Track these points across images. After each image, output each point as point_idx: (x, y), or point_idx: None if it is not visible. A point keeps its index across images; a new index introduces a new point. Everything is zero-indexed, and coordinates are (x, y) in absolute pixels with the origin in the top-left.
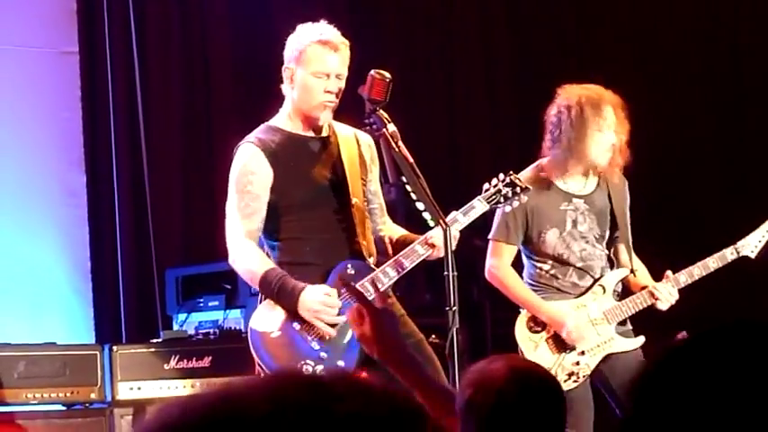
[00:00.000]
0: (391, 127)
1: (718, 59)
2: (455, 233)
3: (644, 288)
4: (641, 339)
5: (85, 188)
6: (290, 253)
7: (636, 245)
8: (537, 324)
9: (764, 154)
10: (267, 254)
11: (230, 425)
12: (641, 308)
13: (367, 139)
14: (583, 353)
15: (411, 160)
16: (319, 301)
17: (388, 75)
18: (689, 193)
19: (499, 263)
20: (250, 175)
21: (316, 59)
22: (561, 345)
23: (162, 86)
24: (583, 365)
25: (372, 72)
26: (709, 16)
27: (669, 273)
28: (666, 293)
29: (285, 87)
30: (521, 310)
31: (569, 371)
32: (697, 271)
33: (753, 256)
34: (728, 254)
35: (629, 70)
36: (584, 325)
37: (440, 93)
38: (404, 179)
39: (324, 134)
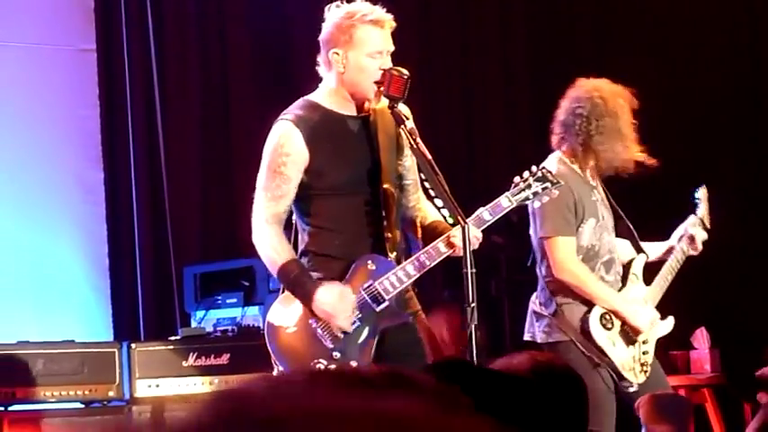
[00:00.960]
0: (409, 124)
1: (736, 54)
2: (478, 233)
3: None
4: (672, 320)
5: (104, 185)
6: (317, 243)
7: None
8: (607, 320)
9: None
10: (298, 234)
11: None
12: (666, 287)
13: (403, 110)
14: (645, 341)
15: (429, 157)
16: (332, 303)
17: (406, 72)
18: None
19: (570, 258)
20: (285, 157)
21: (373, 40)
22: (628, 338)
23: (179, 84)
24: (649, 354)
25: (390, 68)
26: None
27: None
28: (696, 236)
29: (326, 71)
30: (588, 310)
31: (643, 361)
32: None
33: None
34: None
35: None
36: (647, 313)
37: (457, 90)
38: (422, 176)
39: (363, 112)
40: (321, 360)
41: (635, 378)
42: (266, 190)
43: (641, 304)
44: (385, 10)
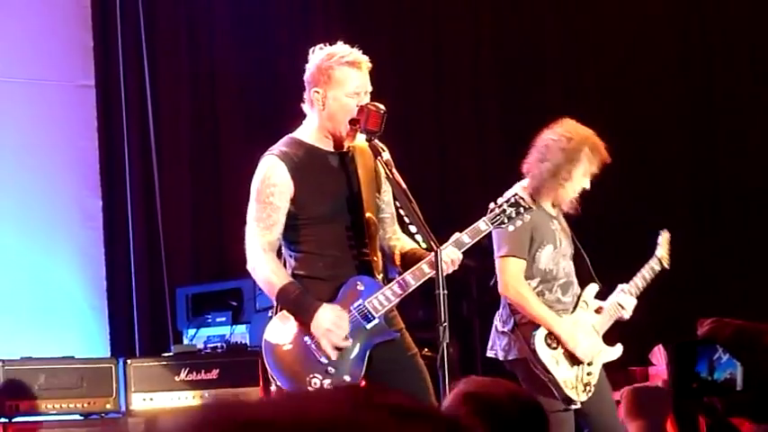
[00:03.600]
0: (386, 155)
1: (692, 79)
2: (458, 254)
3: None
4: (620, 347)
5: (101, 212)
6: (305, 267)
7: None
8: (552, 340)
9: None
10: (285, 261)
11: None
12: (614, 319)
13: (380, 144)
14: (590, 363)
15: (404, 186)
16: (332, 321)
17: (382, 107)
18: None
19: (517, 278)
20: (272, 187)
21: (352, 80)
22: (573, 358)
23: (172, 117)
24: (593, 375)
25: (367, 104)
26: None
27: (620, 285)
28: (629, 303)
29: (310, 108)
30: (535, 328)
31: (586, 381)
32: (639, 282)
33: (666, 266)
34: (654, 265)
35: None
36: (592, 338)
37: (430, 122)
38: (398, 204)
39: (344, 149)
40: (316, 375)
41: (577, 396)
42: (258, 221)
43: (587, 330)
44: (361, 51)
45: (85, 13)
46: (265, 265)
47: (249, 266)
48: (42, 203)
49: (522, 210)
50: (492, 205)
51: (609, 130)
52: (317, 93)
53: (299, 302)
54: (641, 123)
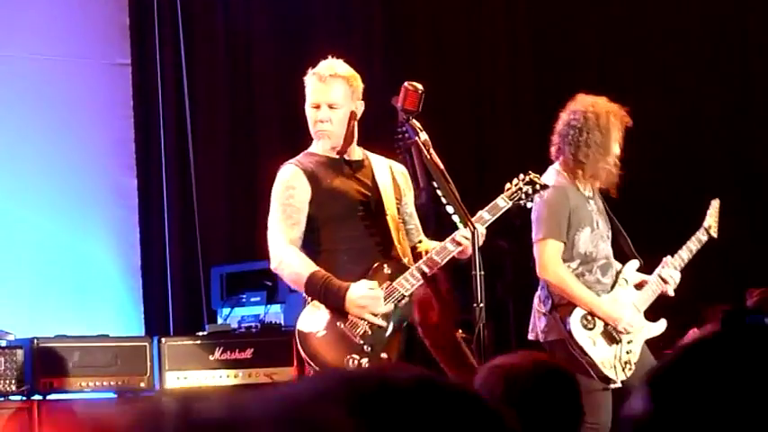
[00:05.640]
0: (423, 135)
1: (727, 62)
2: (482, 230)
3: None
4: (663, 323)
5: (137, 191)
6: (327, 263)
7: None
8: (589, 321)
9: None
10: None
11: None
12: (657, 294)
13: (400, 169)
14: (630, 341)
15: (441, 166)
16: (365, 295)
17: (420, 86)
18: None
19: (555, 260)
20: (291, 190)
21: (310, 92)
22: (611, 337)
23: (208, 96)
24: (633, 353)
25: (406, 84)
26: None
27: (666, 258)
28: (673, 277)
29: None
30: (572, 310)
31: (625, 360)
32: (685, 254)
33: (714, 235)
34: (701, 235)
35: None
36: (633, 315)
37: (467, 104)
38: (434, 184)
39: (356, 158)
40: (354, 355)
41: (616, 375)
42: (281, 221)
43: (627, 307)
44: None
45: None
46: (290, 259)
47: (273, 265)
48: (77, 182)
49: (537, 188)
50: (508, 185)
51: (646, 115)
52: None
53: (328, 289)
54: (679, 109)
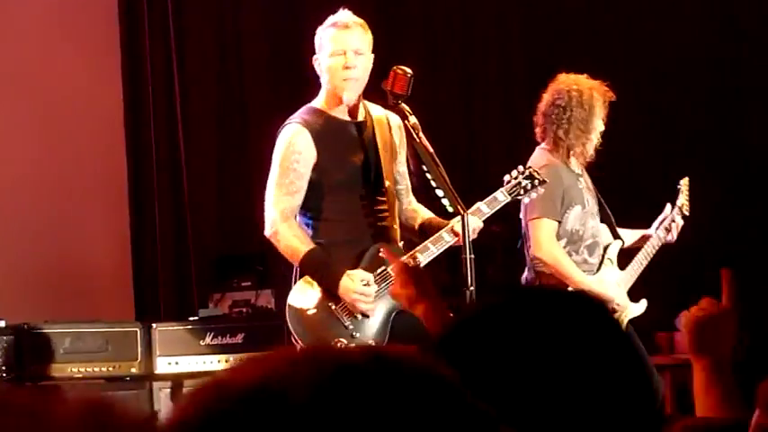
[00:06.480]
0: (412, 119)
1: (720, 50)
2: (479, 223)
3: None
4: (644, 303)
5: (126, 175)
6: (325, 234)
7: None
8: None
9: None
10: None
11: (270, 409)
12: (639, 274)
13: (397, 121)
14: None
15: (431, 150)
16: (358, 290)
17: (409, 70)
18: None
19: (551, 239)
20: (297, 155)
21: (331, 41)
22: None
23: (199, 77)
24: None
25: (395, 67)
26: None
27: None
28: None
29: (321, 78)
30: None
31: None
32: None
33: (687, 213)
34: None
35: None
36: (621, 295)
37: (457, 87)
38: (424, 168)
39: (360, 118)
40: (341, 339)
41: None
42: (280, 186)
43: (614, 287)
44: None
45: None
46: (288, 231)
47: (268, 231)
48: (67, 168)
49: (536, 182)
50: (507, 177)
51: (635, 96)
52: (316, 60)
53: (325, 269)
54: (668, 93)
